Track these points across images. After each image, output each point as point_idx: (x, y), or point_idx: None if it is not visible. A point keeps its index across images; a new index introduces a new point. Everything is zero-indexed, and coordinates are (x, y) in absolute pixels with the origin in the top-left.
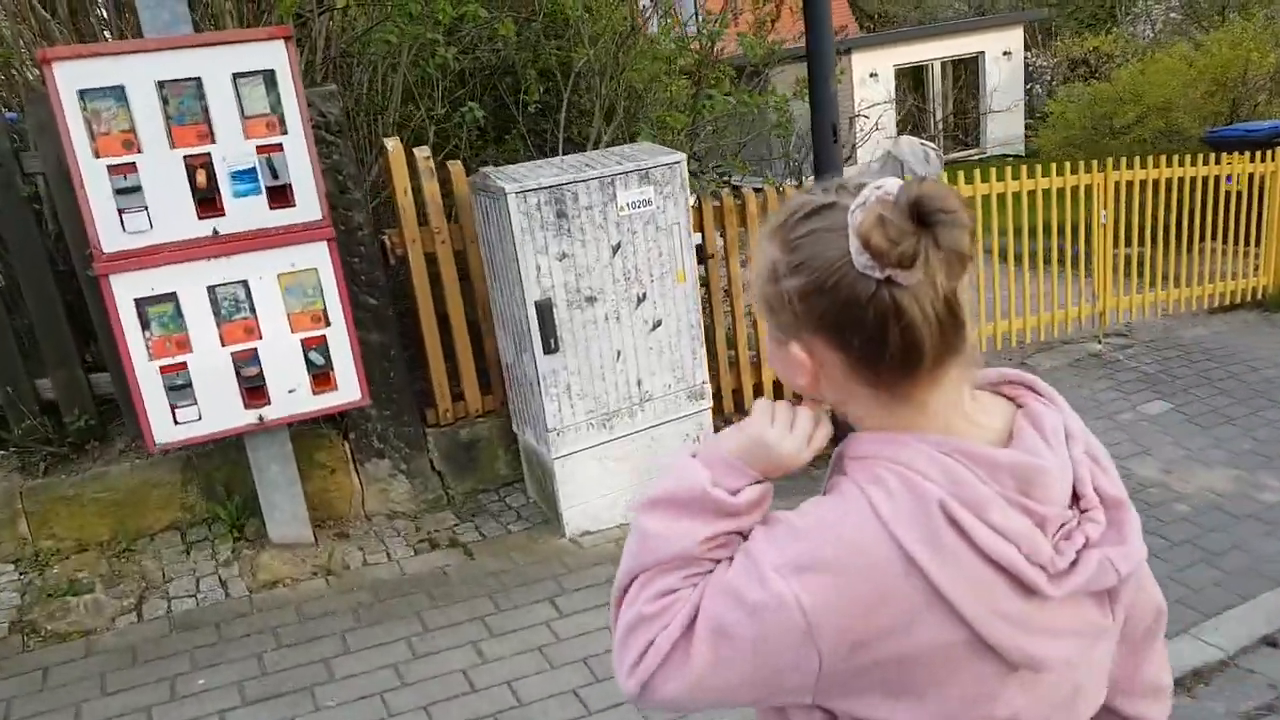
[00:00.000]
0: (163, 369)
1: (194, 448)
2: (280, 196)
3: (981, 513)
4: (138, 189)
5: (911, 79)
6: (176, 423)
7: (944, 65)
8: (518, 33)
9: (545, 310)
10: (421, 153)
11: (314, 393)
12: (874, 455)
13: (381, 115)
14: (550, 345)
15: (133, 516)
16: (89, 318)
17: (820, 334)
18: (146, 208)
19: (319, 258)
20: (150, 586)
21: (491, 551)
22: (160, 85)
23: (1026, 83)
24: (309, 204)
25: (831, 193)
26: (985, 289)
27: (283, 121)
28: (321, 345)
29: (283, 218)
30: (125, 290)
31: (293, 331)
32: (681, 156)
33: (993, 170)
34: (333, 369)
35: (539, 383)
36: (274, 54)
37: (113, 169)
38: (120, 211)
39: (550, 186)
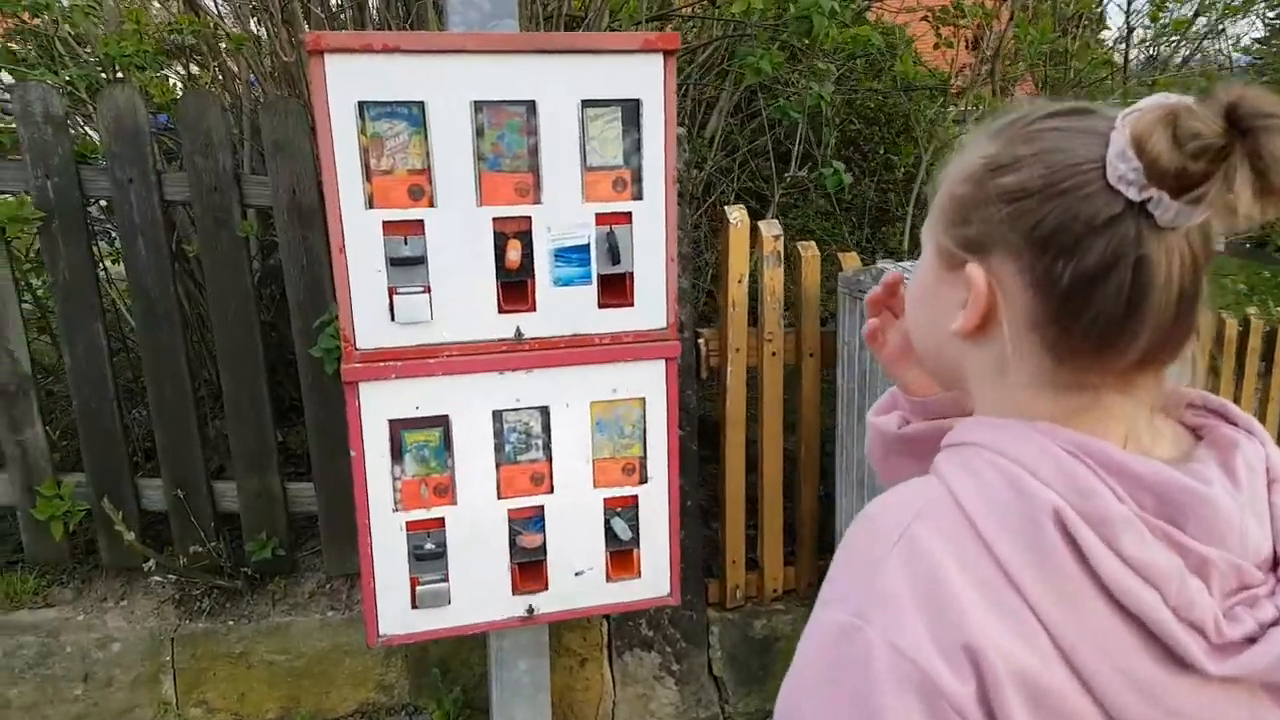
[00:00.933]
0: (410, 525)
1: None
2: (616, 289)
3: (1111, 536)
4: (421, 260)
5: None
6: (414, 606)
7: None
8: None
9: None
10: (770, 230)
11: (609, 578)
12: (974, 442)
13: (700, 167)
14: None
15: (312, 691)
16: (289, 392)
17: (1023, 255)
18: (429, 289)
19: (651, 383)
20: None
21: None
22: (477, 107)
23: None
24: (653, 304)
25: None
26: None
27: (638, 179)
28: (630, 509)
29: (613, 320)
30: (379, 405)
31: (595, 486)
32: None
33: None
34: (638, 546)
35: None
36: (646, 75)
37: (390, 227)
38: (391, 291)
39: None
